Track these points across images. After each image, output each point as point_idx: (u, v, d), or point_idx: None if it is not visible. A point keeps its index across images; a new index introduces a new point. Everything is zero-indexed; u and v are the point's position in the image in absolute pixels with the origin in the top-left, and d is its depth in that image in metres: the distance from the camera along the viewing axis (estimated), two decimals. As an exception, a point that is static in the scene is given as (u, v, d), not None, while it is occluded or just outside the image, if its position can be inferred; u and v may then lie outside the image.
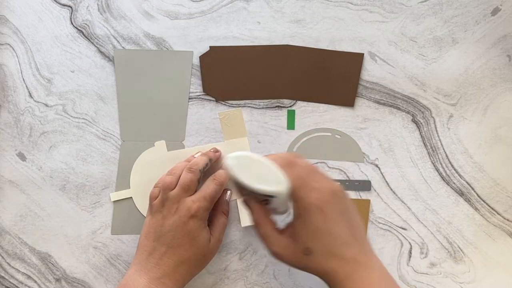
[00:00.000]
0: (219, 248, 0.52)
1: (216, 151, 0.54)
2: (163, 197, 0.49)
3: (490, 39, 0.55)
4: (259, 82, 0.56)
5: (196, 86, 0.56)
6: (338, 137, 0.56)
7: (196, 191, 0.50)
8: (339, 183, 0.48)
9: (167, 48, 0.56)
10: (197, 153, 0.54)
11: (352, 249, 0.42)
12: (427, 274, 0.55)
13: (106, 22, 0.56)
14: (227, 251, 0.56)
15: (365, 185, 0.55)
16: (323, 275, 0.43)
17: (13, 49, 0.56)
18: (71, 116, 0.56)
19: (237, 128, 0.56)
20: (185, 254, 0.48)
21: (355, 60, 0.55)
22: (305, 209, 0.42)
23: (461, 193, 0.55)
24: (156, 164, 0.55)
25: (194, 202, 0.48)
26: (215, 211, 0.52)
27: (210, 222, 0.51)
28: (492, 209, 0.55)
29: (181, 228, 0.48)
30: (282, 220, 0.51)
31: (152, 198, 0.50)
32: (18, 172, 0.56)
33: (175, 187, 0.49)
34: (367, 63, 0.56)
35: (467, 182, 0.55)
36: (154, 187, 0.51)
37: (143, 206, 0.55)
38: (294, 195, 0.42)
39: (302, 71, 0.55)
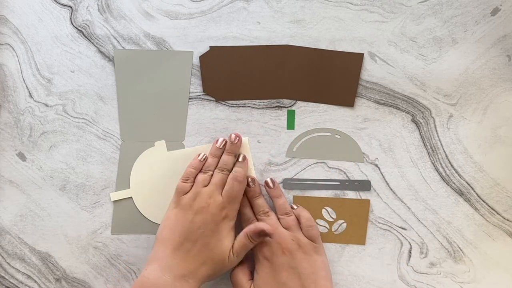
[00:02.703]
0: (234, 265, 0.50)
1: (235, 139, 0.54)
2: (196, 192, 0.49)
3: (490, 39, 0.55)
4: (259, 82, 0.56)
5: (196, 86, 0.56)
6: (338, 137, 0.56)
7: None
8: (314, 240, 0.51)
9: (167, 48, 0.56)
10: (222, 141, 0.54)
11: None
12: (427, 274, 0.55)
13: (106, 22, 0.56)
14: (227, 251, 0.56)
15: (365, 185, 0.55)
16: None
17: (13, 49, 0.56)
18: (71, 116, 0.56)
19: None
20: (210, 254, 0.48)
21: (355, 60, 0.55)
22: (257, 259, 0.49)
23: (460, 193, 0.55)
24: (156, 164, 0.55)
25: (225, 203, 0.49)
26: (243, 231, 0.51)
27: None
28: (492, 209, 0.55)
29: (212, 227, 0.48)
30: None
31: (180, 192, 0.50)
32: (18, 172, 0.56)
33: (207, 185, 0.50)
34: (367, 63, 0.56)
35: (466, 182, 0.55)
36: (182, 181, 0.51)
37: (143, 205, 0.55)
38: (253, 250, 0.50)
39: (302, 71, 0.55)
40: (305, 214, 0.53)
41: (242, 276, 0.50)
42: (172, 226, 0.48)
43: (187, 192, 0.50)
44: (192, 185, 0.51)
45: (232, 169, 0.53)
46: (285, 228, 0.51)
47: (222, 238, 0.48)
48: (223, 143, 0.54)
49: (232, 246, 0.49)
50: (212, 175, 0.52)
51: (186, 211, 0.49)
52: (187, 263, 0.47)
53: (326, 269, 0.50)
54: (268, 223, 0.50)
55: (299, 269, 0.48)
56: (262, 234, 0.50)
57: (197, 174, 0.52)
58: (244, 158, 0.54)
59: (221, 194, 0.50)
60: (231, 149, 0.54)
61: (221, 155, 0.54)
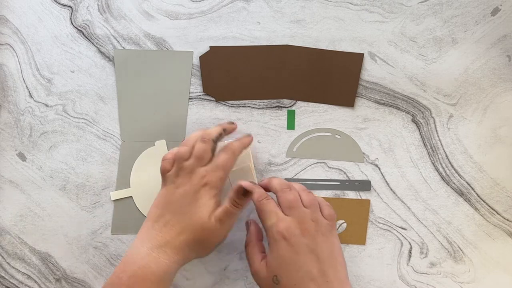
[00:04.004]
0: (221, 235, 0.48)
1: (232, 123, 0.53)
2: (178, 167, 0.48)
3: (490, 39, 0.55)
4: (259, 82, 0.56)
5: (196, 86, 0.56)
6: (338, 137, 0.56)
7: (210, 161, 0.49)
8: (331, 220, 0.46)
9: (167, 48, 0.56)
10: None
11: (319, 285, 0.43)
12: (427, 274, 0.55)
13: (106, 22, 0.56)
14: (227, 251, 0.56)
15: (365, 185, 0.55)
16: None
17: (13, 49, 0.56)
18: (71, 116, 0.56)
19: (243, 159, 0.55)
20: (188, 223, 0.46)
21: (355, 60, 0.55)
22: (271, 237, 0.45)
23: (461, 193, 0.55)
24: (157, 164, 0.55)
25: (207, 171, 0.47)
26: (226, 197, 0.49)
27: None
28: (492, 209, 0.55)
29: (191, 196, 0.47)
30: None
31: (165, 171, 0.49)
32: (18, 172, 0.56)
33: (189, 158, 0.48)
34: (367, 63, 0.56)
35: (467, 182, 0.55)
36: (163, 159, 0.49)
37: (143, 205, 0.55)
38: (264, 225, 0.46)
39: (302, 71, 0.55)
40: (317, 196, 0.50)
41: (256, 251, 0.48)
42: (156, 203, 0.48)
43: (170, 170, 0.49)
44: (174, 162, 0.49)
45: (216, 138, 0.50)
46: (305, 207, 0.46)
47: (200, 205, 0.47)
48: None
49: (214, 212, 0.47)
50: (193, 147, 0.49)
51: (169, 187, 0.48)
52: (164, 233, 0.46)
53: (342, 253, 0.47)
54: (289, 199, 0.46)
55: (319, 252, 0.44)
56: (242, 192, 0.48)
57: None
58: (249, 135, 0.52)
59: (205, 165, 0.48)
60: (221, 124, 0.52)
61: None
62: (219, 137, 0.50)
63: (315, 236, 0.45)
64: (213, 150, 0.49)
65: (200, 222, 0.46)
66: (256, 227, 0.50)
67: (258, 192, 0.47)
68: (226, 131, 0.51)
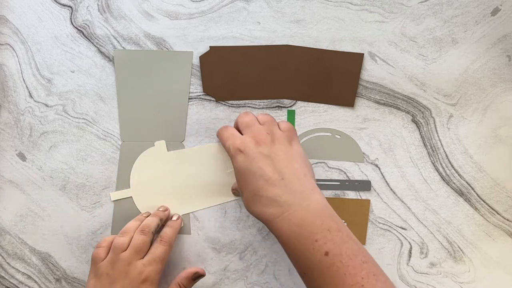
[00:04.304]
0: None
1: (165, 209, 0.54)
2: (113, 259, 0.46)
3: (490, 39, 0.55)
4: (259, 82, 0.56)
5: (196, 86, 0.56)
6: (338, 137, 0.56)
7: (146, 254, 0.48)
8: (288, 131, 0.48)
9: (167, 48, 0.56)
10: (146, 213, 0.54)
11: (277, 189, 0.43)
12: (427, 274, 0.55)
13: (106, 22, 0.56)
14: (227, 251, 0.56)
15: (365, 185, 0.55)
16: (257, 217, 0.44)
17: (13, 49, 0.56)
18: (71, 116, 0.56)
19: None
20: None
21: (355, 60, 0.55)
22: (230, 155, 0.46)
23: (461, 193, 0.55)
24: (156, 164, 0.55)
25: (145, 265, 0.46)
26: (175, 280, 0.50)
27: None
28: (492, 209, 0.55)
29: None
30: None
31: (97, 259, 0.47)
32: (18, 172, 0.56)
33: (126, 249, 0.47)
34: (367, 63, 0.56)
35: (467, 182, 0.55)
36: (97, 247, 0.48)
37: (143, 205, 0.55)
38: (224, 145, 0.48)
39: (302, 71, 0.55)
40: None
41: None
42: None
43: (104, 259, 0.47)
44: (109, 251, 0.48)
45: (155, 230, 0.50)
46: (261, 125, 0.48)
47: None
48: (147, 213, 0.54)
49: None
50: (131, 237, 0.49)
51: (103, 280, 0.46)
52: None
53: (301, 156, 0.46)
54: (245, 120, 0.48)
55: (273, 156, 0.44)
56: (195, 277, 0.50)
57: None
58: (178, 218, 0.53)
59: (143, 257, 0.47)
60: (157, 214, 0.52)
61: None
62: (157, 227, 0.51)
63: (270, 145, 0.45)
64: (152, 242, 0.49)
65: None
66: None
67: (220, 128, 0.51)
68: (162, 221, 0.52)
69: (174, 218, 0.53)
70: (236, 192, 0.54)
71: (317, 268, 0.40)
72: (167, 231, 0.51)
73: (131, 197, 0.56)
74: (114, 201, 0.56)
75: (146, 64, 0.56)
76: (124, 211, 0.56)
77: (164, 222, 0.53)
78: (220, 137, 0.50)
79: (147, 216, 0.52)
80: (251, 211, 0.45)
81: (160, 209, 0.54)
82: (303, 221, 0.41)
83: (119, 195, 0.55)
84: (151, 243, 0.49)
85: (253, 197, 0.44)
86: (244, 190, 0.45)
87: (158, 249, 0.48)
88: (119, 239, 0.48)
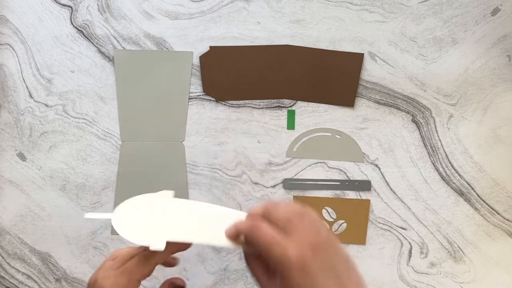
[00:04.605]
0: None
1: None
2: (101, 266, 0.44)
3: (490, 39, 0.55)
4: (259, 82, 0.56)
5: (196, 86, 0.56)
6: (338, 137, 0.56)
7: None
8: (325, 225, 0.40)
9: (167, 48, 0.56)
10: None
11: None
12: (427, 274, 0.55)
13: (106, 22, 0.56)
14: (227, 251, 0.56)
15: (365, 185, 0.55)
16: None
17: (13, 49, 0.56)
18: (71, 116, 0.56)
19: None
20: None
21: (355, 60, 0.55)
22: (284, 270, 0.36)
23: (461, 193, 0.55)
24: (154, 217, 0.43)
25: (110, 277, 0.42)
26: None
27: None
28: (492, 209, 0.55)
29: None
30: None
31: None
32: (18, 172, 0.56)
33: None
34: (367, 63, 0.56)
35: (467, 182, 0.55)
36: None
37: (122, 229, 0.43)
38: (269, 254, 0.36)
39: (302, 71, 0.55)
40: None
41: (259, 271, 0.40)
42: None
43: None
44: None
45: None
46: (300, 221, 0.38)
47: None
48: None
49: None
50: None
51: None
52: None
53: (348, 254, 0.38)
54: (281, 215, 0.38)
55: (334, 266, 0.37)
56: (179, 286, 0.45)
57: None
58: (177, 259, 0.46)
59: None
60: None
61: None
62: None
63: (327, 250, 0.37)
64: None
65: None
66: (254, 259, 0.40)
67: (241, 224, 0.39)
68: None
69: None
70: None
71: None
72: (156, 252, 0.42)
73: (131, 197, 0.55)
74: (114, 200, 0.56)
75: (146, 64, 0.56)
76: (124, 211, 0.55)
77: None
78: (255, 241, 0.37)
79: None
80: None
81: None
82: None
83: (97, 216, 0.41)
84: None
85: None
86: None
87: (131, 263, 0.42)
88: (117, 250, 0.44)
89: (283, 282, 0.36)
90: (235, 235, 0.40)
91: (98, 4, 0.56)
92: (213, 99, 0.56)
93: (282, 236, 0.37)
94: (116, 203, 0.56)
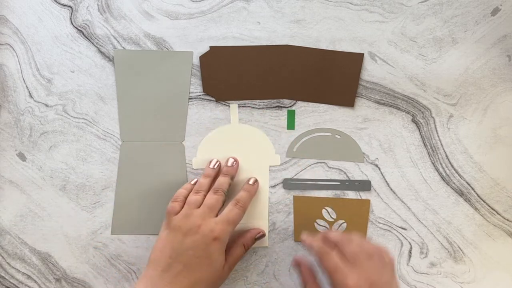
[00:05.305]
0: (228, 275, 0.50)
1: (233, 162, 0.54)
2: (187, 213, 0.48)
3: (490, 39, 0.55)
4: (259, 82, 0.56)
5: (196, 86, 0.56)
6: (338, 137, 0.56)
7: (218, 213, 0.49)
8: (392, 270, 0.44)
9: (167, 48, 0.56)
10: (216, 162, 0.54)
11: None
12: (427, 274, 0.55)
13: (106, 22, 0.56)
14: (227, 251, 0.56)
15: (365, 185, 0.55)
16: None
17: (13, 49, 0.56)
18: (71, 116, 0.56)
19: None
20: (200, 276, 0.46)
21: (355, 60, 0.55)
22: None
23: (461, 193, 0.55)
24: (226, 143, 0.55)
25: (217, 224, 0.47)
26: (237, 240, 0.52)
27: (228, 248, 0.50)
28: (492, 209, 0.55)
29: (202, 248, 0.46)
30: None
31: (171, 213, 0.49)
32: (18, 172, 0.56)
33: (200, 206, 0.49)
34: (367, 63, 0.56)
35: (467, 182, 0.55)
36: (172, 201, 0.50)
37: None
38: (331, 279, 0.43)
39: (302, 71, 0.55)
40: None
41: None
42: (162, 248, 0.47)
43: (178, 213, 0.49)
44: (183, 205, 0.50)
45: (227, 190, 0.51)
46: (369, 257, 0.45)
47: (213, 261, 0.47)
48: (216, 164, 0.54)
49: (226, 263, 0.49)
50: (205, 195, 0.50)
51: (176, 232, 0.47)
52: (176, 285, 0.46)
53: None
54: (352, 250, 0.44)
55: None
56: (258, 237, 0.53)
57: (188, 195, 0.51)
58: (255, 182, 0.54)
59: (216, 216, 0.49)
60: (227, 171, 0.53)
61: (216, 176, 0.53)
62: (229, 187, 0.52)
63: (386, 281, 0.43)
64: (224, 202, 0.50)
65: (214, 275, 0.47)
66: (306, 268, 0.51)
67: (317, 246, 0.46)
68: (232, 178, 0.53)
69: (251, 182, 0.53)
70: (295, 266, 0.52)
71: None
72: (243, 195, 0.51)
73: (131, 197, 0.55)
74: (114, 200, 0.56)
75: (146, 64, 0.56)
76: (124, 211, 0.56)
77: (233, 178, 0.54)
78: (323, 264, 0.45)
79: (215, 168, 0.53)
80: None
81: (229, 164, 0.54)
82: None
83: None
84: (223, 203, 0.50)
85: None
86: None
87: (232, 212, 0.49)
88: (194, 196, 0.50)
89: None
90: (306, 245, 0.47)
91: (98, 4, 0.56)
92: (213, 99, 0.56)
93: (346, 266, 0.43)
94: (116, 203, 0.56)
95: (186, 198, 0.51)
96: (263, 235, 0.54)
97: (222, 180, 0.52)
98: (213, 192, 0.50)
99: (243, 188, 0.53)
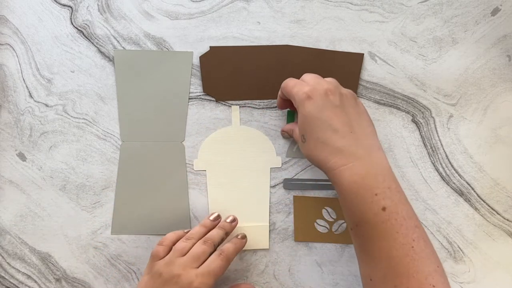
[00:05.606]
0: None
1: (233, 220, 0.53)
2: (170, 261, 0.46)
3: (490, 39, 0.55)
4: (259, 82, 0.56)
5: (196, 86, 0.56)
6: (338, 137, 0.56)
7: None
8: (350, 91, 0.47)
9: (167, 48, 0.56)
10: (216, 216, 0.53)
11: (345, 140, 0.43)
12: (427, 274, 0.55)
13: (106, 22, 0.56)
14: (227, 251, 0.56)
15: (365, 185, 0.55)
16: (319, 165, 0.45)
17: (13, 49, 0.56)
18: (71, 116, 0.56)
19: None
20: None
21: (355, 60, 0.55)
22: (298, 101, 0.45)
23: (461, 193, 0.55)
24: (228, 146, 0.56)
25: (198, 276, 0.45)
26: None
27: None
28: (492, 209, 0.55)
29: None
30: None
31: (155, 257, 0.47)
32: (18, 172, 0.56)
33: (185, 254, 0.47)
34: (367, 63, 0.56)
35: (467, 182, 0.55)
36: (158, 244, 0.49)
37: (214, 181, 0.55)
38: (290, 95, 0.47)
39: (302, 71, 0.55)
40: None
41: (294, 127, 0.51)
42: None
43: (161, 258, 0.47)
44: (168, 251, 0.48)
45: (218, 244, 0.49)
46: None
47: None
48: (217, 217, 0.53)
49: None
50: (193, 244, 0.48)
51: (156, 279, 0.46)
52: None
53: (367, 114, 0.47)
54: (311, 76, 0.47)
55: (342, 108, 0.44)
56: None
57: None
58: (244, 237, 0.52)
59: (197, 268, 0.46)
60: (224, 226, 0.52)
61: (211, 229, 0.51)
62: (221, 242, 0.50)
63: (340, 97, 0.45)
64: (211, 254, 0.48)
65: None
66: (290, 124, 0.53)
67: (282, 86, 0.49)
68: (227, 234, 0.51)
69: (239, 236, 0.52)
70: (285, 134, 0.55)
71: (371, 221, 0.41)
72: (229, 247, 0.49)
73: (131, 197, 0.55)
74: (114, 200, 0.56)
75: (146, 64, 0.56)
76: (124, 211, 0.56)
77: (228, 234, 0.52)
78: (285, 86, 0.48)
79: (214, 220, 0.52)
80: (313, 158, 0.45)
81: (228, 220, 0.53)
82: (366, 173, 0.42)
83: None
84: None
85: (318, 145, 0.44)
86: (309, 137, 0.44)
87: (214, 263, 0.47)
88: (182, 243, 0.48)
89: (300, 112, 0.45)
90: (279, 96, 0.50)
91: (98, 4, 0.56)
92: (213, 99, 0.56)
93: (306, 83, 0.46)
94: (116, 203, 0.56)
95: (173, 243, 0.49)
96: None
97: (215, 233, 0.50)
98: (202, 242, 0.48)
99: (230, 241, 0.51)
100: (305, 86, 0.45)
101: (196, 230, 0.51)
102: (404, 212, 0.41)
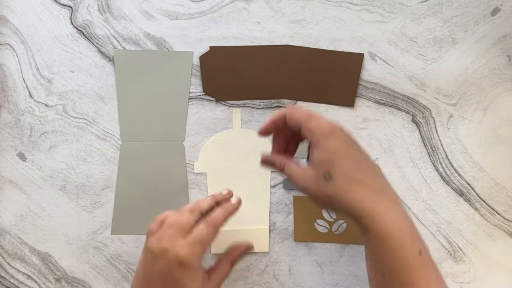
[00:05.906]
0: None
1: (227, 193, 0.50)
2: (160, 235, 0.44)
3: (490, 39, 0.55)
4: (259, 82, 0.56)
5: (196, 86, 0.56)
6: (338, 137, 0.56)
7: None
8: None
9: (167, 48, 0.56)
10: (229, 191, 0.50)
11: (374, 176, 0.41)
12: (427, 274, 0.55)
13: (106, 22, 0.56)
14: (227, 251, 0.56)
15: (365, 185, 0.55)
16: (348, 206, 0.40)
17: (13, 49, 0.56)
18: (71, 116, 0.56)
19: None
20: None
21: (355, 60, 0.55)
22: (319, 135, 0.41)
23: (461, 193, 0.55)
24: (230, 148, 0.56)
25: (183, 247, 0.43)
26: (223, 257, 0.50)
27: (214, 266, 0.48)
28: (492, 209, 0.55)
29: (169, 276, 0.43)
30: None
31: (148, 233, 0.46)
32: (18, 172, 0.56)
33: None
34: (367, 63, 0.56)
35: (467, 182, 0.55)
36: (154, 220, 0.46)
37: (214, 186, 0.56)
38: (306, 128, 0.42)
39: (302, 71, 0.55)
40: None
41: (293, 164, 0.45)
42: (138, 272, 0.45)
43: (155, 233, 0.45)
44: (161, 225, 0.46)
45: (205, 212, 0.46)
46: None
47: (184, 286, 0.43)
48: (228, 193, 0.50)
49: (210, 281, 0.46)
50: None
51: (147, 255, 0.44)
52: None
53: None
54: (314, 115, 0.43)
55: (359, 146, 0.43)
56: (247, 252, 0.52)
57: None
58: (237, 201, 0.49)
59: (185, 238, 0.44)
60: (216, 196, 0.49)
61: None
62: (209, 209, 0.47)
63: (349, 133, 0.43)
64: (197, 221, 0.46)
65: None
66: (276, 153, 0.47)
67: (277, 112, 0.44)
68: (218, 205, 0.48)
69: (233, 200, 0.48)
70: (266, 163, 0.47)
71: (410, 266, 0.39)
72: (216, 212, 0.46)
73: (131, 197, 0.55)
74: (114, 200, 0.56)
75: (146, 64, 0.56)
76: (124, 211, 0.56)
77: (219, 206, 0.48)
78: (292, 117, 0.43)
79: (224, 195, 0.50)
80: (342, 198, 0.40)
81: (223, 192, 0.49)
82: (405, 216, 0.41)
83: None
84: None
85: (352, 184, 0.40)
86: (339, 175, 0.40)
87: (201, 231, 0.44)
88: (172, 217, 0.45)
89: (320, 148, 0.41)
90: (274, 122, 0.45)
91: (98, 4, 0.56)
92: (213, 99, 0.56)
93: (316, 115, 0.42)
94: (116, 203, 0.56)
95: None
96: (251, 247, 0.53)
97: (203, 201, 0.48)
98: (188, 212, 0.46)
99: (220, 205, 0.47)
100: (321, 119, 0.42)
101: (204, 202, 0.48)
102: (428, 252, 0.41)
